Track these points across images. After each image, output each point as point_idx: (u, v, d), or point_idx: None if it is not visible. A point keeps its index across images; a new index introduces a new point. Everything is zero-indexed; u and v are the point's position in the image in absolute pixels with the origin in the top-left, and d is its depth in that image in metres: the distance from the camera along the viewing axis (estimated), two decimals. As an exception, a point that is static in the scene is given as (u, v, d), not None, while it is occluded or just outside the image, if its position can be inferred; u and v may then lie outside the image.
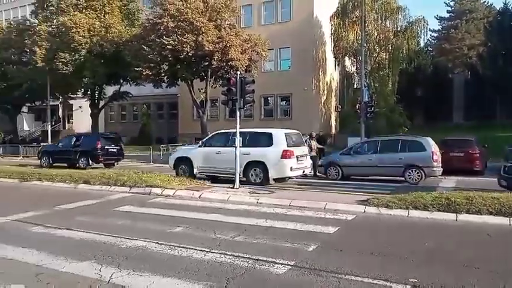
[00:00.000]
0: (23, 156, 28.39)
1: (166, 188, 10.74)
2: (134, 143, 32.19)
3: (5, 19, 46.13)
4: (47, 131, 33.44)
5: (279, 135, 12.74)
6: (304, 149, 13.54)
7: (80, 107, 38.90)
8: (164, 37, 23.15)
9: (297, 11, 30.27)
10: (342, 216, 7.80)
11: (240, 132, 11.58)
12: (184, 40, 22.86)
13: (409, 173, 13.15)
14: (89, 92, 32.26)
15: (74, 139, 20.93)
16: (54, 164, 19.52)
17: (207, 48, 22.88)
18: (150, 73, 24.59)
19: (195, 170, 13.26)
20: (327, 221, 7.36)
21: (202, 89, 27.02)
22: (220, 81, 25.13)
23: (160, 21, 23.83)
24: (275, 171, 12.20)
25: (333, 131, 33.34)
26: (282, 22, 30.95)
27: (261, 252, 5.39)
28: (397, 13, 29.73)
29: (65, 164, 19.14)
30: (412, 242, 6.19)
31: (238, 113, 11.47)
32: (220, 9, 24.21)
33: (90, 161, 19.12)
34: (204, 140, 14.51)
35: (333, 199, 9.15)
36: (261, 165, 12.25)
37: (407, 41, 29.29)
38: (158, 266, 4.86)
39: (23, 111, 41.53)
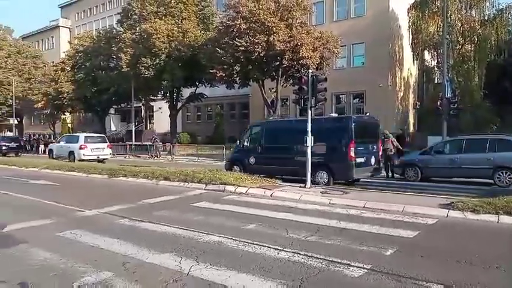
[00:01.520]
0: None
1: (239, 186, 11.01)
2: (209, 142, 33.45)
3: (95, 29, 50.72)
4: (131, 130, 36.09)
5: (81, 136, 24.56)
6: (100, 145, 24.16)
7: (160, 108, 41.41)
8: (237, 39, 23.68)
9: (371, 4, 29.15)
10: (422, 220, 7.35)
11: (67, 135, 25.80)
12: (256, 41, 23.17)
13: (499, 175, 12.19)
14: (167, 94, 34.16)
15: None
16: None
17: (278, 48, 22.95)
18: (224, 74, 25.36)
19: (54, 156, 24.95)
20: (405, 225, 6.99)
21: (273, 88, 27.19)
22: (291, 80, 25.11)
23: (233, 23, 24.40)
24: (77, 156, 23.07)
25: (411, 129, 31.54)
26: (355, 17, 30.05)
27: (334, 253, 5.28)
28: (484, 0, 27.25)
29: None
30: (503, 250, 5.63)
31: (309, 112, 11.30)
32: (291, 8, 24.10)
33: None
34: (59, 139, 26.53)
35: (411, 201, 8.66)
36: (73, 153, 23.45)
37: (496, 30, 26.66)
38: (233, 262, 4.99)
39: (110, 113, 45.39)
